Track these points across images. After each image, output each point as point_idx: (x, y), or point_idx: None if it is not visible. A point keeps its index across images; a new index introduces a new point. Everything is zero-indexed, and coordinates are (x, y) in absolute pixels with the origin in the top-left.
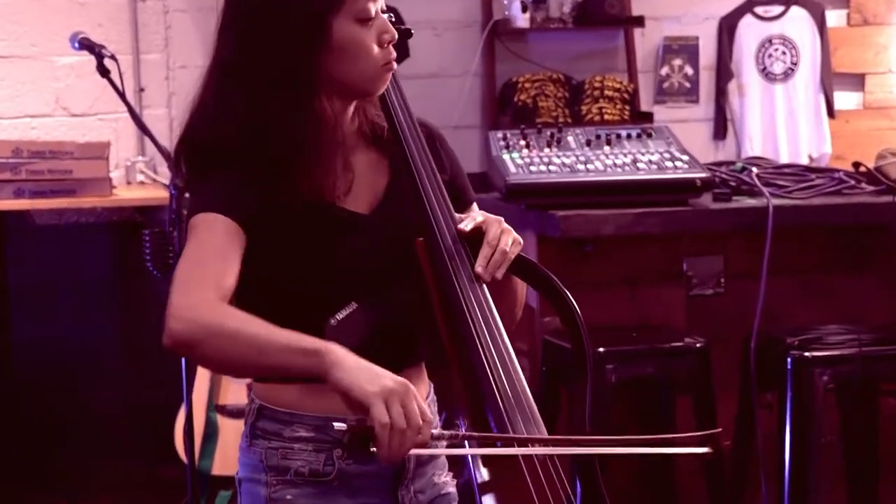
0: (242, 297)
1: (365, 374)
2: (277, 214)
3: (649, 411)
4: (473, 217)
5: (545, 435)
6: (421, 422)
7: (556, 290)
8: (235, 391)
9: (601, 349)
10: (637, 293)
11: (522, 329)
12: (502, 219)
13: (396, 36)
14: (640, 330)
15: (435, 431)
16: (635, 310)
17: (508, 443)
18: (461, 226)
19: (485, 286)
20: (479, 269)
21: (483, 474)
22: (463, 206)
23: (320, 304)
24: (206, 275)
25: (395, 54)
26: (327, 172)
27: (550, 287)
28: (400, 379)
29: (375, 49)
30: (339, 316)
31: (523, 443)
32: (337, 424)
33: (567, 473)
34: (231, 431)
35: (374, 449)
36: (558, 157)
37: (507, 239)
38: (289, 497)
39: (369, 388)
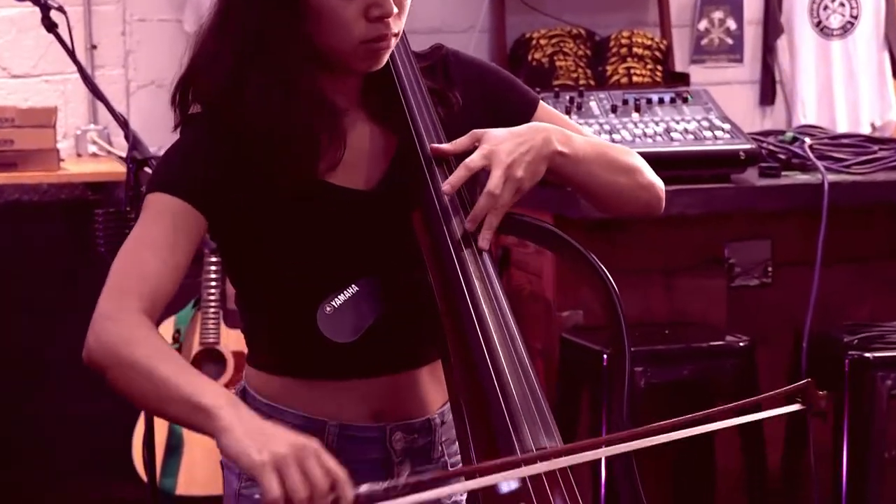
0: (235, 281)
1: (253, 441)
2: (252, 190)
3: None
4: (468, 164)
5: (557, 445)
6: (328, 485)
7: (578, 255)
8: None
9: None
10: (671, 284)
11: (537, 325)
12: (518, 139)
13: (393, 11)
14: (674, 327)
15: (364, 488)
16: (668, 303)
17: (500, 467)
18: (448, 182)
19: (487, 256)
20: (480, 239)
21: None
22: (523, 120)
23: (313, 287)
24: (142, 274)
25: (392, 30)
26: (309, 146)
27: (567, 249)
28: (299, 438)
29: (359, 22)
30: (336, 301)
31: (518, 463)
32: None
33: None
34: (198, 445)
35: None
36: (579, 125)
37: (509, 189)
38: (256, 497)
39: (256, 458)
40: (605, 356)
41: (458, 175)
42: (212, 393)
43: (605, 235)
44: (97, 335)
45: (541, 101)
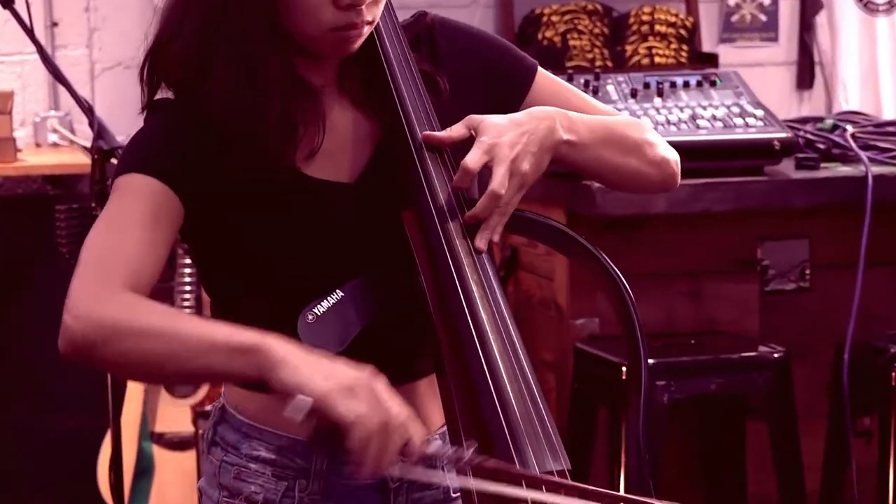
0: (208, 288)
1: (316, 370)
2: (223, 183)
3: (712, 441)
4: (469, 159)
5: (564, 465)
6: (404, 416)
7: (589, 255)
8: (177, 416)
9: (651, 360)
10: (696, 289)
11: (548, 334)
12: (522, 130)
13: None
14: (701, 336)
15: (431, 445)
16: (694, 311)
17: (531, 482)
18: (455, 180)
19: (486, 259)
20: (477, 240)
21: None
22: (521, 90)
23: (293, 293)
24: (120, 257)
25: (366, 17)
26: (283, 133)
27: (576, 249)
28: (363, 369)
29: (328, 9)
30: (318, 309)
31: (540, 483)
32: (299, 398)
33: None
34: (171, 466)
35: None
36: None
37: (514, 187)
38: None
39: (324, 384)
40: (623, 369)
41: (461, 178)
42: (250, 332)
43: (623, 235)
44: (77, 314)
45: (539, 68)
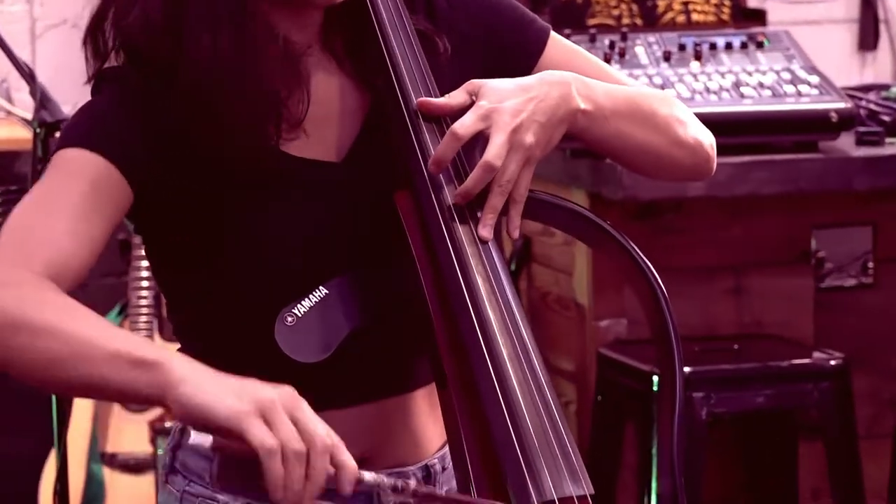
0: (165, 287)
1: (226, 388)
2: (189, 166)
3: (758, 464)
4: (464, 122)
5: (586, 489)
6: (329, 441)
7: (615, 245)
8: (132, 434)
9: (687, 369)
10: (741, 285)
11: (567, 338)
12: (524, 95)
13: None
14: (746, 341)
15: (368, 476)
16: (738, 311)
17: None
18: (433, 159)
19: (493, 249)
20: (480, 228)
21: None
22: (530, 57)
23: (269, 292)
24: (44, 241)
25: None
26: (264, 104)
27: (600, 238)
28: (283, 387)
29: None
30: (299, 309)
31: None
32: (195, 437)
33: None
34: (125, 492)
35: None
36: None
37: (514, 160)
38: None
39: (236, 404)
40: (655, 379)
41: (446, 146)
42: (155, 347)
43: (656, 222)
44: None
45: (552, 33)
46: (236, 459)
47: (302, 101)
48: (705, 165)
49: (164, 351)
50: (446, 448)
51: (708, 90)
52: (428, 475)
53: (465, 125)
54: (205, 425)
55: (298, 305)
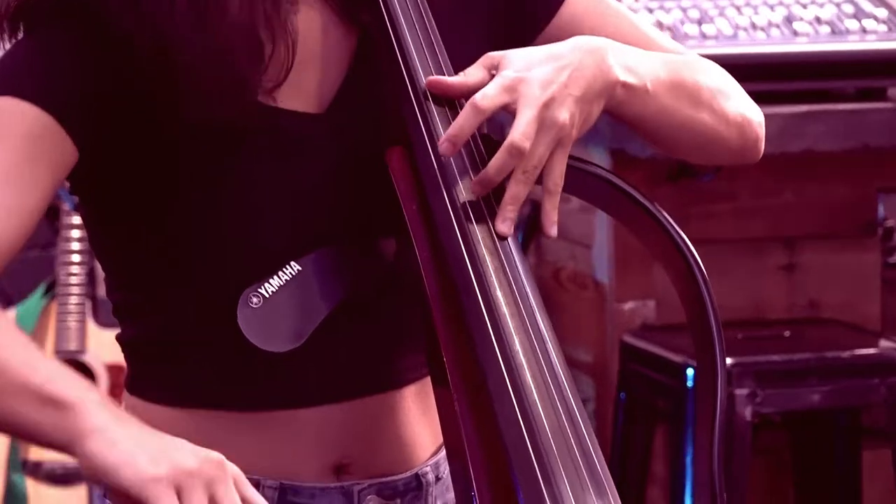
0: (107, 262)
1: (143, 448)
2: (147, 122)
3: (813, 473)
4: (489, 89)
5: (612, 502)
6: None
7: (643, 214)
8: None
9: (729, 360)
10: (793, 261)
11: (583, 324)
12: (561, 68)
13: None
14: (799, 326)
15: None
16: (790, 291)
17: None
18: (447, 137)
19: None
20: (498, 221)
21: None
22: (543, 13)
23: (233, 268)
24: None
25: None
26: (247, 51)
27: (625, 205)
28: (210, 453)
29: None
30: (267, 289)
31: None
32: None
33: None
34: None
35: None
36: (650, 10)
37: (544, 142)
38: None
39: (149, 470)
40: (690, 372)
41: (465, 122)
42: (75, 383)
43: (691, 187)
44: None
45: None
46: None
47: (283, 48)
48: (753, 147)
49: (83, 390)
50: (440, 455)
51: (754, 26)
52: (419, 486)
53: (488, 96)
54: (110, 486)
55: (266, 284)
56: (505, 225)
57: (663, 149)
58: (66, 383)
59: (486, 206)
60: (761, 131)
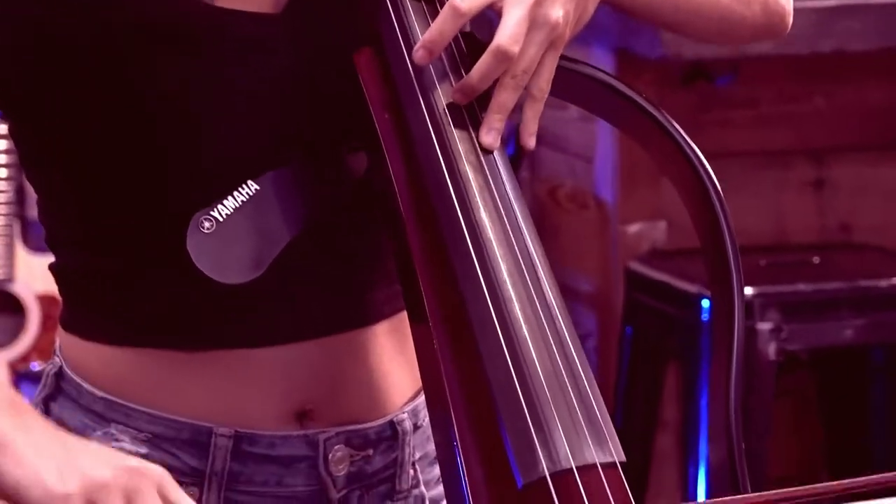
0: (38, 179)
1: (52, 460)
2: (78, 16)
3: (843, 418)
4: None
5: (614, 455)
6: None
7: (651, 124)
8: None
9: (749, 290)
10: (823, 176)
11: (583, 249)
12: None
13: None
14: (829, 251)
15: None
16: (819, 210)
17: None
18: (422, 43)
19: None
20: (482, 132)
21: None
22: None
23: (182, 188)
24: None
25: None
26: None
27: (630, 114)
28: (129, 459)
29: None
30: (220, 212)
31: None
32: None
33: None
34: None
35: None
36: None
37: (535, 43)
38: None
39: (57, 487)
40: (705, 304)
41: (443, 25)
42: None
43: (706, 92)
44: None
45: None
46: None
47: None
48: (780, 23)
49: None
50: (419, 400)
51: None
52: (394, 434)
53: None
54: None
55: (219, 206)
56: (490, 136)
57: (682, 33)
58: None
59: (470, 116)
60: (789, 5)
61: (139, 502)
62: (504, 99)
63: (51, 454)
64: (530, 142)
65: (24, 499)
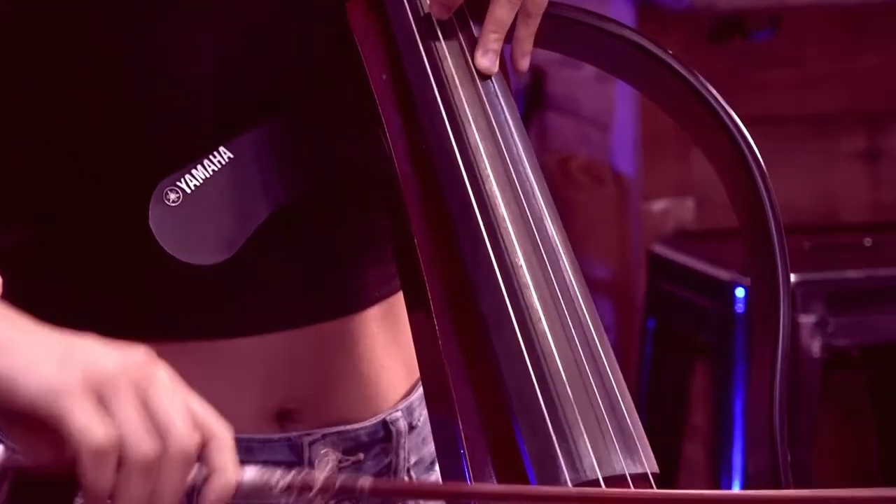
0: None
1: (48, 350)
2: None
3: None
4: None
5: (646, 466)
6: (193, 438)
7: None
8: None
9: (794, 278)
10: (877, 147)
11: (600, 229)
12: None
13: None
14: (884, 233)
15: (249, 473)
16: (872, 186)
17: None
18: None
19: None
20: (478, 53)
21: None
22: None
23: (145, 155)
24: None
25: None
26: None
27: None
28: (131, 349)
29: None
30: (187, 182)
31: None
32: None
33: None
34: None
35: None
36: None
37: None
38: None
39: (57, 378)
40: (739, 290)
41: None
42: None
43: (742, 48)
44: None
45: None
46: (46, 459)
47: None
48: None
49: None
50: (414, 396)
51: None
52: (387, 436)
53: None
54: (7, 408)
55: (187, 175)
56: (487, 58)
57: None
58: None
59: (479, 76)
60: None
61: (152, 393)
62: (500, 14)
63: (50, 345)
64: (523, 62)
65: (17, 393)
